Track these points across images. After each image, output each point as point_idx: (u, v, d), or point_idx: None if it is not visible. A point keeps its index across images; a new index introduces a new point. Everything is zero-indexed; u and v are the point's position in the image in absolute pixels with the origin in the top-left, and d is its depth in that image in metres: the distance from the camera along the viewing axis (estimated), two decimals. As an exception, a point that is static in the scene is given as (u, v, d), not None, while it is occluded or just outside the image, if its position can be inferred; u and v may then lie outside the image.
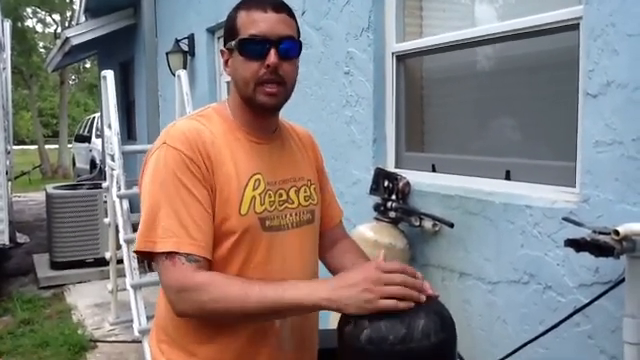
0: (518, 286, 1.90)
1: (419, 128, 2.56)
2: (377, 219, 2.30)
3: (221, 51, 1.31)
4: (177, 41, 5.10)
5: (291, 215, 1.33)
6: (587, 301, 1.62)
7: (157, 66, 5.88)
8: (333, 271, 1.47)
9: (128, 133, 8.06)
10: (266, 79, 1.23)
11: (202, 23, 4.73)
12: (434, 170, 2.35)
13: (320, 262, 1.48)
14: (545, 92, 1.99)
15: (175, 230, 1.16)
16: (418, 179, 2.35)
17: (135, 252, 1.22)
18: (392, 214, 2.26)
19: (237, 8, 1.27)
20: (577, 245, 1.38)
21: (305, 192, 1.38)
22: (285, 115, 3.57)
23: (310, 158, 1.46)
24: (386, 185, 2.33)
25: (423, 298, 1.15)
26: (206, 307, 1.15)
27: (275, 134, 1.37)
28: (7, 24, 7.41)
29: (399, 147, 2.56)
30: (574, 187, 1.75)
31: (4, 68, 6.58)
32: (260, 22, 1.22)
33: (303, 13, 3.07)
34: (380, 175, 2.37)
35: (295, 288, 1.16)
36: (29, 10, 20.76)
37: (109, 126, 4.13)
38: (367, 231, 2.25)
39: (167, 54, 5.18)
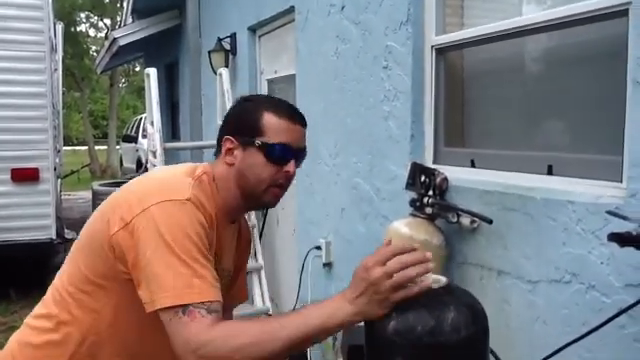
0: (559, 285, 1.81)
1: (459, 123, 2.49)
2: (413, 215, 2.25)
3: (227, 139, 1.35)
4: (219, 40, 5.15)
5: None
6: (634, 301, 1.53)
7: (200, 65, 5.96)
8: None
9: (172, 133, 8.20)
10: (280, 183, 1.34)
11: (244, 22, 4.77)
12: (473, 165, 2.28)
13: None
14: (590, 83, 1.90)
15: (211, 282, 1.18)
16: (456, 175, 2.28)
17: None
18: (429, 210, 2.20)
19: (260, 107, 1.34)
20: (621, 239, 1.30)
21: (223, 284, 1.39)
22: (324, 112, 3.56)
23: (240, 251, 1.54)
24: (423, 180, 2.27)
25: (431, 266, 1.11)
26: (235, 357, 1.12)
27: (233, 224, 1.45)
28: (59, 27, 7.66)
29: (437, 142, 2.49)
30: (620, 182, 1.66)
31: (55, 69, 6.80)
32: (289, 133, 1.32)
33: (343, 8, 3.05)
34: (416, 170, 2.32)
35: (315, 313, 1.15)
36: (82, 15, 21.48)
37: (152, 123, 4.20)
38: (402, 227, 2.20)
39: (209, 53, 5.24)
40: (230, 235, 1.43)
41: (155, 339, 1.24)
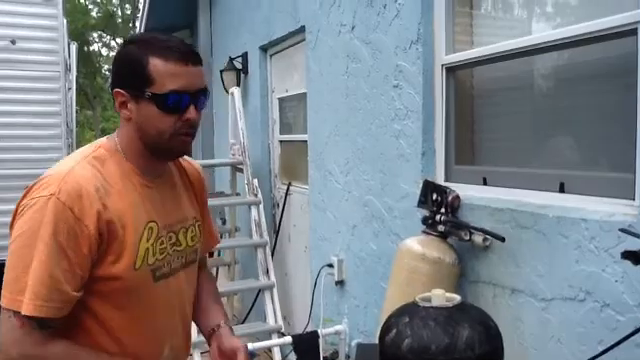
0: (574, 304, 1.81)
1: (469, 141, 2.51)
2: (425, 232, 2.25)
3: (116, 92, 1.24)
4: (231, 59, 5.21)
5: (178, 258, 1.34)
6: (648, 320, 1.53)
7: (212, 84, 6.03)
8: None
9: (184, 150, 8.26)
10: (184, 132, 1.23)
11: (255, 41, 4.82)
12: (485, 183, 2.29)
13: None
14: (601, 101, 1.91)
15: (41, 293, 1.11)
16: (468, 192, 2.29)
17: None
18: (441, 227, 2.21)
19: (145, 52, 1.20)
20: (635, 257, 1.30)
21: (192, 232, 1.38)
22: (335, 130, 3.57)
23: (195, 194, 1.46)
24: (435, 198, 2.28)
25: None
26: None
27: (163, 176, 1.36)
28: (73, 46, 7.78)
29: (449, 160, 2.51)
30: (633, 199, 1.66)
31: (69, 88, 6.90)
32: (181, 77, 1.19)
33: (353, 28, 3.08)
34: (428, 188, 2.33)
35: None
36: (95, 35, 21.80)
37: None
38: (415, 244, 2.20)
39: (221, 72, 5.30)
40: (167, 189, 1.34)
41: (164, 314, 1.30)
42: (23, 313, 1.09)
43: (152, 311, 1.27)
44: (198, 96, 1.23)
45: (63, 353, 1.14)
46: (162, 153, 1.27)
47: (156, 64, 1.18)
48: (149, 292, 1.25)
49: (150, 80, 1.18)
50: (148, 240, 1.24)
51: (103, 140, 1.30)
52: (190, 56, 1.21)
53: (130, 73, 1.21)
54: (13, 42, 5.38)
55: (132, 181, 1.25)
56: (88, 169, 1.20)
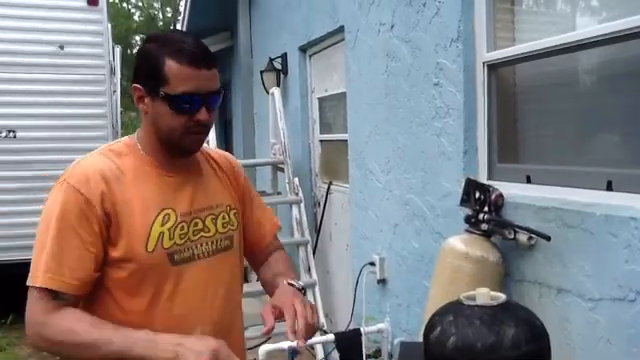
0: (623, 304, 1.77)
1: (513, 138, 2.48)
2: (468, 231, 2.24)
3: (134, 87, 1.30)
4: (271, 60, 5.27)
5: (207, 244, 1.36)
6: (702, 321, 1.49)
7: (252, 85, 6.11)
8: (263, 283, 1.54)
9: (226, 150, 8.39)
10: (195, 130, 1.28)
11: (294, 42, 4.87)
12: (529, 181, 2.26)
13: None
14: (650, 96, 1.86)
15: (51, 266, 1.21)
16: (512, 191, 2.27)
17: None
18: (484, 226, 2.19)
19: (162, 52, 1.25)
20: (687, 257, 1.27)
21: (223, 219, 1.40)
22: (375, 129, 3.57)
23: (230, 183, 1.49)
24: (477, 197, 2.27)
25: None
26: (53, 346, 1.22)
27: (187, 167, 1.39)
28: (117, 50, 7.99)
29: (491, 158, 2.48)
30: (684, 197, 1.62)
31: (114, 91, 7.10)
32: (193, 80, 1.24)
33: (392, 27, 3.08)
34: (471, 186, 2.31)
35: (143, 344, 1.18)
36: (137, 38, 22.29)
37: (207, 142, 4.33)
38: (458, 243, 2.19)
39: (261, 73, 5.36)
40: (192, 179, 1.38)
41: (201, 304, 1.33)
42: (37, 285, 1.21)
43: (172, 296, 1.30)
44: (210, 98, 1.28)
45: (63, 322, 1.21)
46: (174, 149, 1.33)
47: (171, 65, 1.24)
48: (166, 275, 1.30)
49: (165, 80, 1.24)
50: (163, 224, 1.29)
51: (125, 137, 1.40)
52: (204, 59, 1.26)
53: (147, 71, 1.27)
54: (62, 47, 5.58)
55: (148, 172, 1.33)
56: (100, 159, 1.31)
